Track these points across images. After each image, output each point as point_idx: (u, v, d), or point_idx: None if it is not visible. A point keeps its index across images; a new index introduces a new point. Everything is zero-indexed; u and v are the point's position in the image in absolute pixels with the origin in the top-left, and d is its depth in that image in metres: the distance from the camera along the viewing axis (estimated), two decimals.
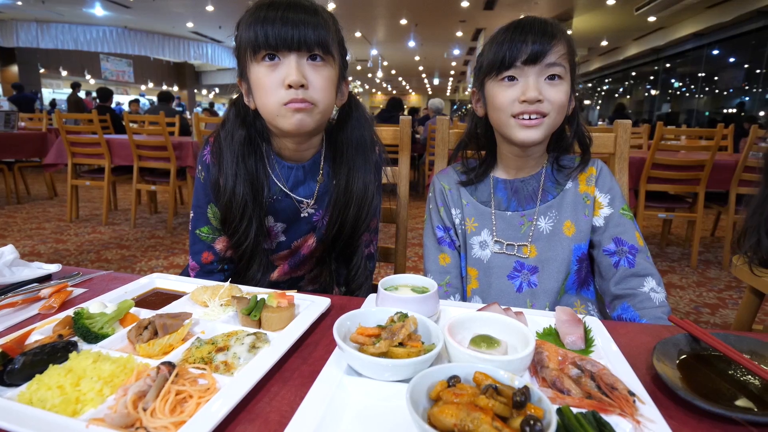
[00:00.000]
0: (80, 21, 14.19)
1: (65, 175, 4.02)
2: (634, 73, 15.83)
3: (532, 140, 0.87)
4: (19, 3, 11.58)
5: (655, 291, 0.88)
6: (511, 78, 0.85)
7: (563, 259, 0.93)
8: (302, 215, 0.99)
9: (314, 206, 0.99)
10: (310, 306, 0.75)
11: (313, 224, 1.01)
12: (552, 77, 0.84)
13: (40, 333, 0.64)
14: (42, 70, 16.12)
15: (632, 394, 0.50)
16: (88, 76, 17.65)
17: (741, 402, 0.52)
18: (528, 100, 0.83)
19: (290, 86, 0.80)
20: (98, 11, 12.47)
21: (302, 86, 0.81)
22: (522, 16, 0.88)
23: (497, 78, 0.87)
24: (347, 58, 0.94)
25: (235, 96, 0.96)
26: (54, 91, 17.51)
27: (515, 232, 0.96)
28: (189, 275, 1.01)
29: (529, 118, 0.84)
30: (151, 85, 20.38)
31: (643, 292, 0.88)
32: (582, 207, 0.95)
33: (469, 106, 1.01)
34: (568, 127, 0.96)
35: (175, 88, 20.75)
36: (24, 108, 7.74)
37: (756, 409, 0.50)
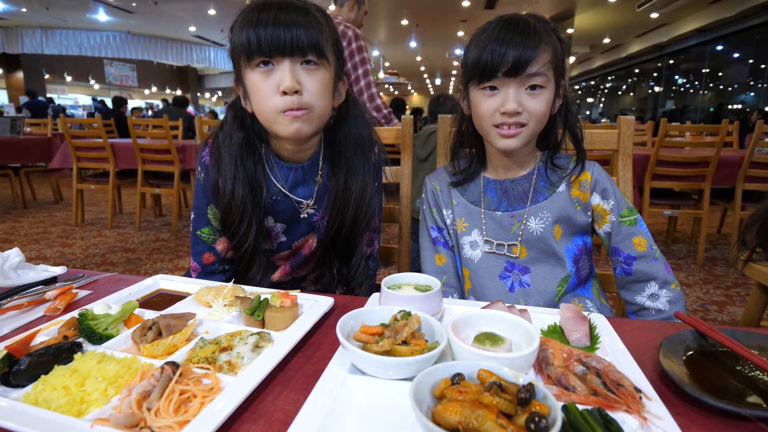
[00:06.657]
0: (84, 27, 14.31)
1: (71, 179, 4.05)
2: (637, 71, 15.76)
3: (512, 148, 0.88)
4: (24, 10, 11.69)
5: (655, 297, 0.89)
6: (492, 87, 0.84)
7: (556, 262, 0.92)
8: (302, 216, 0.99)
9: (314, 206, 0.99)
10: (314, 305, 0.75)
11: (313, 224, 1.01)
12: (533, 87, 0.83)
13: (46, 334, 0.64)
14: (47, 76, 16.25)
15: (639, 390, 0.49)
16: (92, 81, 17.79)
17: (749, 398, 0.51)
18: (507, 112, 0.82)
19: (285, 93, 0.79)
20: (102, 17, 12.56)
21: (297, 92, 0.80)
22: (507, 15, 0.85)
23: (479, 86, 0.86)
24: (344, 55, 0.93)
25: (232, 98, 0.96)
26: (59, 97, 17.64)
27: (505, 233, 0.95)
28: (191, 276, 1.01)
29: (509, 128, 0.84)
30: (154, 89, 20.50)
31: (639, 303, 0.91)
32: (573, 212, 0.92)
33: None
34: (559, 122, 0.95)
35: (179, 92, 20.87)
36: (37, 113, 8.09)
37: (765, 405, 0.50)
